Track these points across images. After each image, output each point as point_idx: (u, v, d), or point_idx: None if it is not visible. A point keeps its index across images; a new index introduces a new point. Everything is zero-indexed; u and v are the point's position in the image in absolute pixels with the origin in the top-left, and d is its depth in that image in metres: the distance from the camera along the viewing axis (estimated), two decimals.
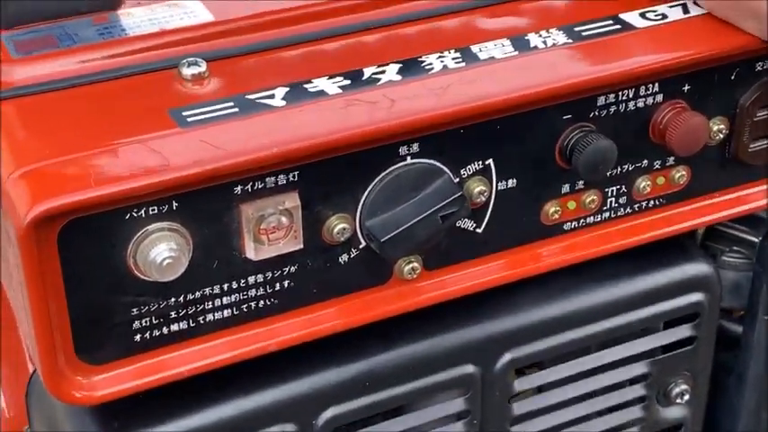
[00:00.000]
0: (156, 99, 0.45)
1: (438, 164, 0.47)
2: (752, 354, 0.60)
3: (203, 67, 0.47)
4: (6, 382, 0.57)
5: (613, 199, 0.52)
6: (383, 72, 0.47)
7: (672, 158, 0.52)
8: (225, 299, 0.46)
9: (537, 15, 0.52)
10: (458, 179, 0.47)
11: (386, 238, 0.45)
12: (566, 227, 0.52)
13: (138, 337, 0.45)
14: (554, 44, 0.49)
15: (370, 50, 0.49)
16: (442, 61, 0.48)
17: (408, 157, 0.46)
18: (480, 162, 0.48)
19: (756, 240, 0.57)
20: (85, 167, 0.41)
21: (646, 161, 0.52)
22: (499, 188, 0.49)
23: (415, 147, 0.46)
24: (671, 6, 0.52)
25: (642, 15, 0.51)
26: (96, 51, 0.48)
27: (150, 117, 0.44)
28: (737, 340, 0.60)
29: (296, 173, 0.44)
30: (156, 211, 0.42)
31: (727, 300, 0.59)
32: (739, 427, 0.63)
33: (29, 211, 0.38)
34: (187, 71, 0.46)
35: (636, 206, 0.53)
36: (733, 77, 0.51)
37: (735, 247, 0.58)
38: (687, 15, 0.51)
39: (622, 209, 0.53)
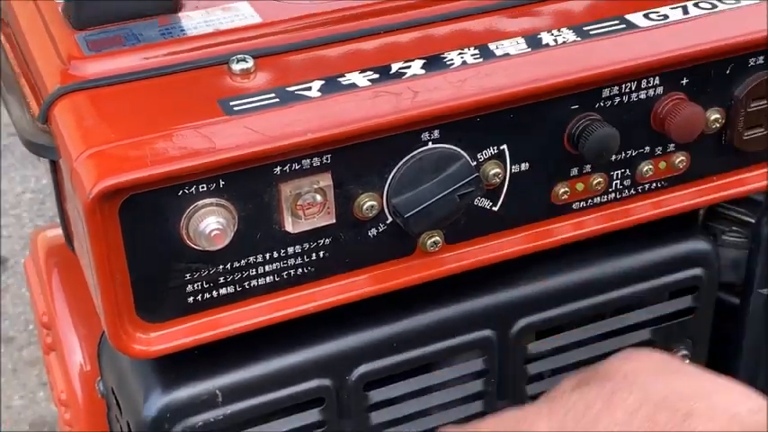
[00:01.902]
0: (207, 91, 0.46)
1: (457, 149, 0.47)
2: (747, 324, 0.59)
3: (250, 63, 0.47)
4: (84, 341, 0.58)
5: (618, 181, 0.52)
6: (409, 67, 0.47)
7: (672, 145, 0.52)
8: (267, 267, 0.47)
9: (551, 17, 0.52)
10: (475, 162, 0.47)
11: (409, 214, 0.46)
12: (574, 206, 0.52)
13: (190, 299, 0.46)
14: (564, 42, 0.49)
15: (399, 48, 0.49)
16: (462, 57, 0.48)
17: (430, 143, 0.46)
18: (495, 147, 0.48)
19: (752, 221, 0.57)
20: (144, 149, 0.42)
21: (648, 147, 0.52)
22: (513, 171, 0.49)
23: (436, 133, 0.46)
24: (672, 8, 0.52)
25: (646, 16, 0.51)
26: (157, 49, 0.49)
27: (202, 106, 0.45)
28: (735, 312, 0.59)
29: (329, 156, 0.45)
30: (204, 189, 0.43)
31: (727, 275, 0.58)
32: None
33: (93, 187, 0.40)
34: (236, 66, 0.47)
35: (639, 188, 0.53)
36: (728, 72, 0.51)
37: (734, 228, 0.58)
38: (687, 16, 0.51)
39: (627, 190, 0.53)
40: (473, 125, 0.47)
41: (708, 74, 0.51)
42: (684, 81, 0.50)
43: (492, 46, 0.49)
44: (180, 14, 0.51)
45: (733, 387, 0.43)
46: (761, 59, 0.51)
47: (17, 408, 0.81)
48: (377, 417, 0.53)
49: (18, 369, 0.85)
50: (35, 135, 0.48)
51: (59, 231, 0.64)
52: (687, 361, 0.58)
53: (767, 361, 0.61)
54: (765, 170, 0.55)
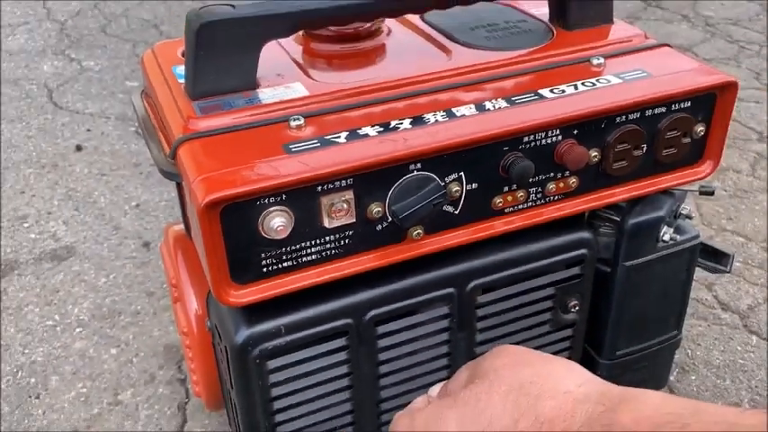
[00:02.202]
0: (275, 138, 0.46)
1: (432, 174, 0.47)
2: (615, 284, 0.59)
3: (302, 121, 0.47)
4: (197, 296, 0.58)
5: (533, 195, 0.52)
6: (402, 123, 0.47)
7: (567, 172, 0.51)
8: (312, 249, 0.47)
9: (491, 91, 0.51)
10: (443, 183, 0.47)
11: (402, 215, 0.46)
12: (506, 210, 0.51)
13: (264, 269, 0.46)
14: (499, 107, 0.49)
15: (396, 111, 0.49)
16: (435, 117, 0.48)
17: (415, 171, 0.46)
18: (456, 173, 0.48)
19: (618, 219, 0.57)
20: (235, 175, 0.42)
21: (552, 173, 0.51)
22: (467, 188, 0.49)
23: (419, 165, 0.46)
24: (567, 85, 0.51)
25: (551, 90, 0.51)
26: (243, 112, 0.48)
27: (271, 148, 0.45)
28: (607, 276, 0.59)
29: (351, 179, 0.45)
30: (273, 200, 0.43)
31: (602, 253, 0.58)
32: (608, 327, 0.62)
33: (203, 200, 0.41)
34: (293, 123, 0.47)
35: (547, 199, 0.52)
36: (603, 126, 0.50)
37: (606, 223, 0.58)
38: (576, 91, 0.51)
39: (539, 200, 0.52)
40: (442, 160, 0.47)
41: (590, 127, 0.50)
42: (575, 131, 0.50)
43: (454, 110, 0.49)
44: (257, 90, 0.51)
45: (564, 368, 0.40)
46: (623, 118, 0.51)
47: (156, 337, 0.80)
48: (381, 342, 0.53)
49: (157, 313, 0.84)
50: (167, 166, 0.48)
51: (181, 226, 0.64)
52: (577, 308, 0.58)
53: (626, 306, 0.61)
54: (626, 188, 0.54)
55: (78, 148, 1.22)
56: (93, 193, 1.10)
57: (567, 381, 0.38)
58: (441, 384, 0.45)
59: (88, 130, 1.27)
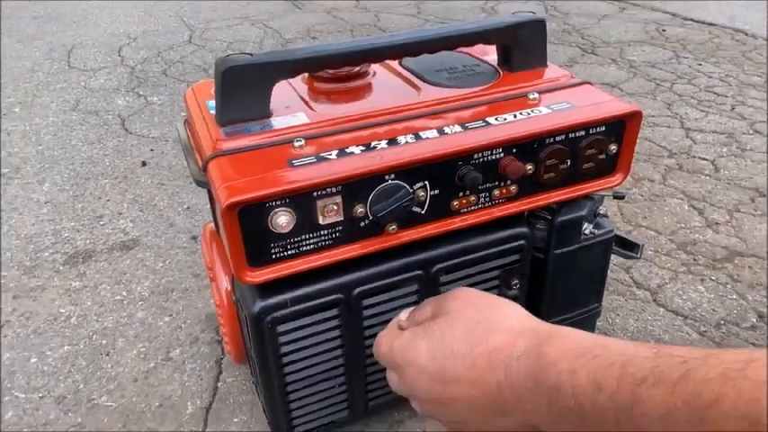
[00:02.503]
0: (281, 155, 0.46)
1: (403, 183, 0.47)
2: (548, 267, 0.59)
3: (303, 142, 0.47)
4: (226, 276, 0.57)
5: (483, 199, 0.51)
6: (380, 144, 0.47)
7: (509, 181, 0.51)
8: (309, 240, 0.46)
9: (450, 119, 0.51)
10: (411, 190, 0.47)
11: (380, 215, 0.46)
12: (462, 211, 0.51)
13: (273, 256, 0.46)
14: (455, 132, 0.49)
15: (375, 135, 0.49)
16: (405, 139, 0.48)
17: (389, 180, 0.46)
18: (422, 182, 0.48)
19: (550, 218, 0.57)
20: (248, 184, 0.42)
21: (497, 182, 0.51)
22: (431, 194, 0.49)
23: (393, 176, 0.46)
24: (508, 114, 0.51)
25: (496, 119, 0.50)
26: (258, 136, 0.48)
27: (279, 163, 0.45)
28: (542, 261, 0.59)
29: (340, 187, 0.45)
30: (279, 203, 0.43)
31: (537, 243, 0.57)
32: (543, 301, 0.61)
33: (225, 202, 0.41)
34: (296, 144, 0.47)
35: (493, 202, 0.52)
36: (535, 146, 0.50)
37: (541, 221, 0.57)
38: (515, 118, 0.50)
39: (487, 203, 0.52)
40: (411, 172, 0.47)
41: (526, 146, 0.50)
42: (514, 150, 0.50)
43: (421, 133, 0.49)
44: (270, 118, 0.51)
45: (509, 308, 0.41)
46: (551, 140, 0.50)
47: (199, 308, 0.81)
48: (365, 312, 0.52)
49: (200, 290, 0.85)
50: (200, 177, 0.49)
51: (213, 224, 0.64)
52: (518, 286, 0.57)
53: (556, 284, 0.61)
54: (555, 194, 0.54)
55: (143, 163, 1.23)
56: (154, 198, 1.11)
57: (511, 319, 0.39)
58: (408, 310, 0.46)
59: (151, 150, 1.27)
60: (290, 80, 0.56)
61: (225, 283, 0.57)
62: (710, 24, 1.95)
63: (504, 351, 0.36)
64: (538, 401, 0.33)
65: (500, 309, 0.41)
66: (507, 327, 0.38)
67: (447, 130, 0.49)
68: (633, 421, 0.27)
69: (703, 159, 1.20)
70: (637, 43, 1.82)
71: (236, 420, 0.67)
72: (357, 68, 0.57)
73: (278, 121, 0.51)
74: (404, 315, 0.47)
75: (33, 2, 2.19)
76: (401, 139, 0.48)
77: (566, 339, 0.34)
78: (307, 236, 0.46)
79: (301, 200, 0.44)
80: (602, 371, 0.30)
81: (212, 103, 0.52)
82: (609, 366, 0.30)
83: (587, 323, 0.67)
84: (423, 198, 0.48)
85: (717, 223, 1.00)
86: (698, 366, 0.26)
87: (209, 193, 0.57)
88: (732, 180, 1.12)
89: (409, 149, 0.47)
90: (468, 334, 0.38)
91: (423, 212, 0.49)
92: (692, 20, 2.00)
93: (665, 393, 0.26)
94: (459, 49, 0.60)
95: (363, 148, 0.47)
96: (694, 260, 0.92)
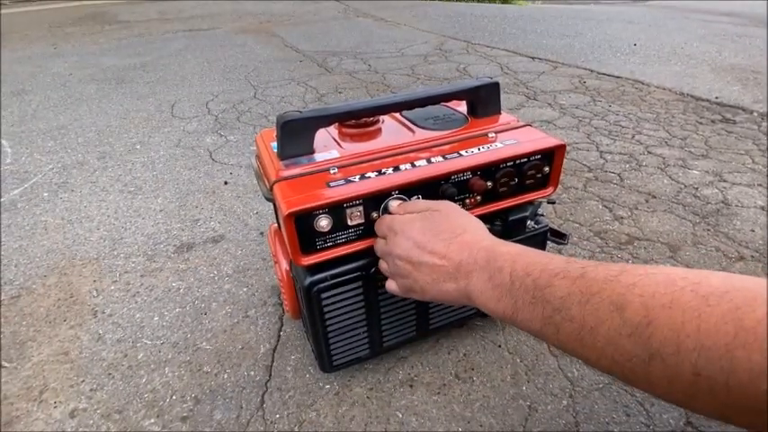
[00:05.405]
0: (322, 180, 0.46)
1: (404, 196, 0.47)
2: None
3: (336, 170, 0.47)
4: (285, 260, 0.56)
5: (459, 206, 0.50)
6: (388, 170, 0.47)
7: (475, 194, 0.51)
8: (341, 236, 0.46)
9: (435, 152, 0.51)
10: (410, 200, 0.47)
11: None
12: None
13: (317, 247, 0.46)
14: (439, 161, 0.49)
15: (385, 164, 0.49)
16: (405, 167, 0.48)
17: (394, 194, 0.46)
18: (416, 195, 0.48)
19: (504, 218, 0.56)
20: (301, 199, 0.43)
21: (467, 194, 0.51)
22: None
23: (397, 191, 0.46)
24: (478, 148, 0.51)
25: (466, 150, 0.50)
26: (306, 166, 0.48)
27: (320, 184, 0.45)
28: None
29: (361, 200, 0.45)
30: (321, 212, 0.44)
31: (496, 236, 0.56)
32: None
33: (285, 212, 0.41)
34: (331, 171, 0.47)
35: (465, 208, 0.51)
36: (493, 169, 0.50)
37: (498, 220, 0.55)
38: (481, 150, 0.50)
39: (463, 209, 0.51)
40: (409, 188, 0.47)
41: (487, 170, 0.50)
42: (479, 172, 0.50)
43: (416, 162, 0.49)
44: (314, 154, 0.51)
45: (477, 222, 0.42)
46: (504, 165, 0.50)
47: (266, 282, 0.81)
48: (378, 284, 0.50)
49: (267, 269, 0.85)
50: (268, 195, 0.48)
51: (276, 224, 0.64)
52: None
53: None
54: (507, 202, 0.54)
55: (225, 183, 1.25)
56: (234, 206, 1.13)
57: (480, 229, 0.42)
58: (398, 202, 0.45)
59: (230, 174, 1.29)
60: (327, 128, 0.57)
61: (285, 264, 0.57)
62: (617, 77, 1.95)
63: (473, 244, 0.38)
64: (483, 275, 0.35)
65: (474, 221, 0.42)
66: (479, 231, 0.40)
67: (433, 160, 0.49)
68: (545, 297, 0.30)
69: (612, 173, 1.20)
70: (565, 91, 1.82)
71: (293, 357, 0.68)
72: (372, 119, 0.58)
73: (319, 156, 0.50)
74: (395, 203, 0.45)
75: (147, 72, 2.23)
76: (402, 166, 0.48)
77: (513, 246, 0.37)
78: (339, 233, 0.46)
79: (336, 209, 0.44)
80: (532, 265, 0.33)
81: (274, 143, 0.52)
82: (537, 263, 0.33)
83: None
84: None
85: (622, 217, 1.00)
86: (592, 270, 0.29)
87: (274, 205, 0.57)
88: (632, 187, 1.12)
89: (408, 174, 0.46)
90: (452, 227, 0.40)
91: None
92: (604, 74, 1.99)
93: (568, 283, 0.30)
94: (440, 104, 0.61)
95: (377, 173, 0.46)
96: (606, 244, 0.92)
